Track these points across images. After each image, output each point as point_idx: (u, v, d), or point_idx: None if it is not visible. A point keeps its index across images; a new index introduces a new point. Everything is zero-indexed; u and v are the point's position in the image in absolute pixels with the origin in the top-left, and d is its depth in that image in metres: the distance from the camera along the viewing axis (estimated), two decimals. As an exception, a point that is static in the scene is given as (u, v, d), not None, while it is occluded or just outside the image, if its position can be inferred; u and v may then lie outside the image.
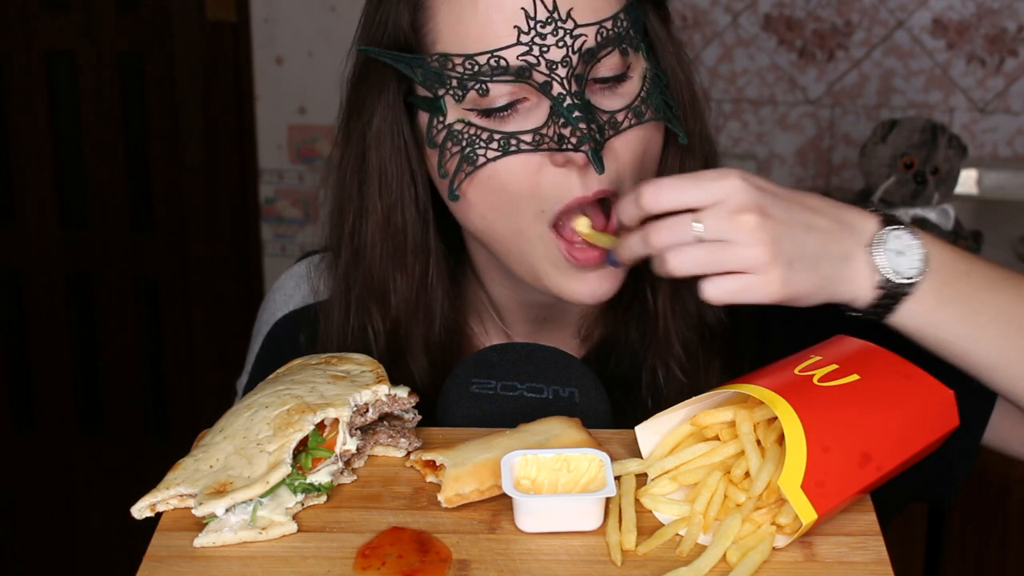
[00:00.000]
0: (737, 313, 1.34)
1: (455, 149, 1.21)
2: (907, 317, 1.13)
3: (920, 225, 2.41)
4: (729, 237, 1.08)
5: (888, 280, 1.12)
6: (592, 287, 1.23)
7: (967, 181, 2.97)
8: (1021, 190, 2.99)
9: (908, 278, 1.12)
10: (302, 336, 1.40)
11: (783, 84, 3.08)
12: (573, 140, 1.17)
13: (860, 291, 1.12)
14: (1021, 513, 2.51)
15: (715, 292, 1.10)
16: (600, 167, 1.16)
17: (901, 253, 1.13)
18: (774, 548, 0.98)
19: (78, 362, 3.50)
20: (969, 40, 2.99)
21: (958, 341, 1.15)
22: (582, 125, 1.16)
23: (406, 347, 1.32)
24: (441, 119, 1.21)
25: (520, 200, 1.21)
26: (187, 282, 3.40)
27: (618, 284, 1.25)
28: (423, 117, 1.24)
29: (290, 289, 1.46)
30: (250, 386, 1.45)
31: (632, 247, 1.13)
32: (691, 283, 1.26)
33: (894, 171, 2.39)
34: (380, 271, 1.31)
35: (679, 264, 1.09)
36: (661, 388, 1.31)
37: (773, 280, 1.08)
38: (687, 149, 1.28)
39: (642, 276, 1.31)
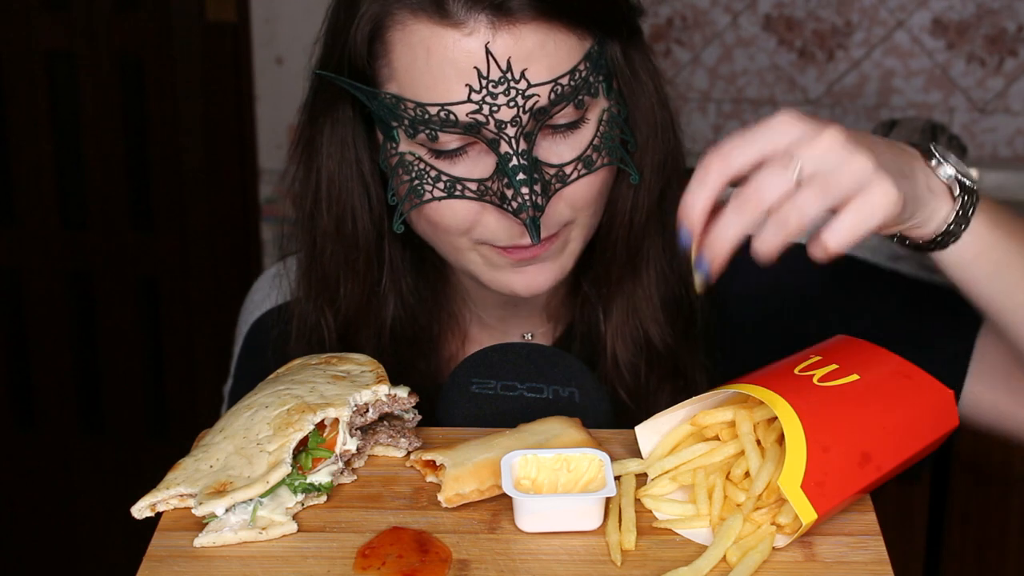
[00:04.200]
0: (686, 335, 1.35)
1: (405, 178, 1.23)
2: (971, 242, 1.10)
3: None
4: (826, 164, 0.99)
5: (963, 183, 1.08)
6: (529, 279, 1.26)
7: (967, 181, 2.97)
8: (1021, 190, 2.99)
9: (973, 180, 1.10)
10: (272, 333, 1.41)
11: (783, 84, 3.08)
12: (514, 204, 1.18)
13: (937, 207, 1.08)
14: (1021, 513, 2.51)
15: (841, 234, 0.99)
16: (537, 237, 1.18)
17: (955, 163, 1.10)
18: (774, 548, 0.99)
19: (78, 362, 3.50)
20: (969, 40, 2.99)
21: (1005, 277, 1.12)
22: (524, 190, 1.17)
23: (354, 346, 1.34)
24: (394, 145, 1.23)
25: (458, 233, 1.24)
26: (187, 282, 3.40)
27: (556, 276, 1.27)
28: (379, 135, 1.25)
29: (266, 289, 1.47)
30: (235, 388, 1.46)
31: (721, 236, 1.00)
32: (641, 309, 1.30)
33: (894, 171, 2.39)
34: (331, 272, 1.33)
35: (799, 215, 0.98)
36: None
37: (888, 187, 0.99)
38: (640, 183, 1.29)
39: (591, 295, 1.34)
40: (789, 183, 0.98)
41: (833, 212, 1.00)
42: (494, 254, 1.24)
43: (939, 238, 1.10)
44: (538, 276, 1.26)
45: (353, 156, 1.29)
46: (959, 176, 1.09)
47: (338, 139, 1.29)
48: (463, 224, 1.22)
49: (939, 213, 1.09)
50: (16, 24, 3.27)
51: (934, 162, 1.09)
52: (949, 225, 1.09)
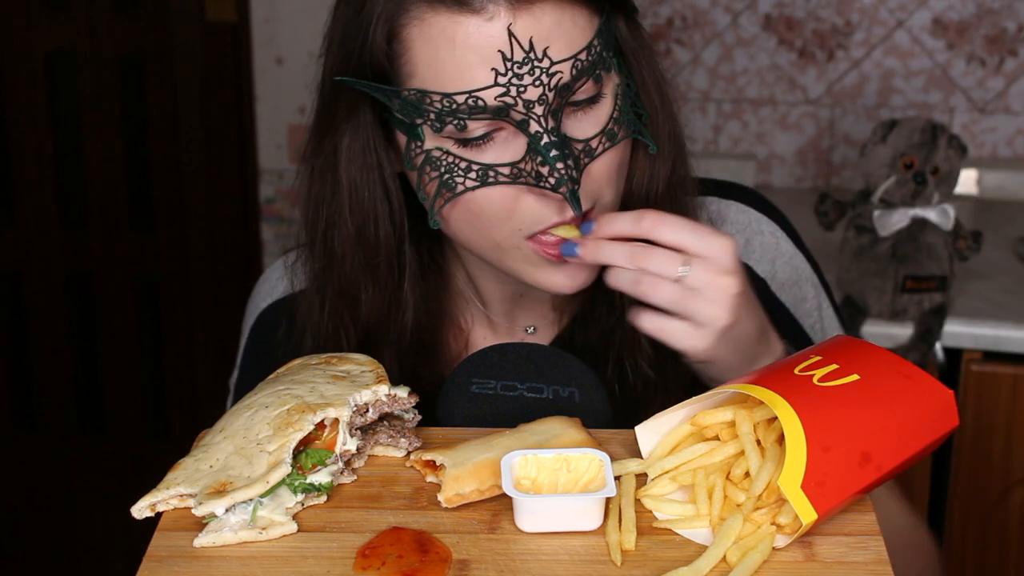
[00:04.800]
0: None
1: (434, 174, 1.22)
2: None
3: (920, 225, 2.41)
4: (704, 290, 1.18)
5: None
6: (570, 277, 1.27)
7: (967, 181, 2.97)
8: (1021, 190, 2.99)
9: None
10: (281, 326, 1.41)
11: (783, 84, 3.08)
12: (551, 180, 1.19)
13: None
14: (1021, 513, 2.51)
15: (652, 325, 1.21)
16: (579, 209, 1.20)
17: None
18: (774, 548, 0.98)
19: (78, 362, 3.50)
20: (969, 40, 2.99)
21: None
22: (559, 165, 1.19)
23: (376, 352, 1.34)
24: (419, 144, 1.23)
25: (497, 222, 1.24)
26: (187, 282, 3.40)
27: (595, 272, 1.28)
28: (401, 137, 1.25)
29: (274, 280, 1.48)
30: (241, 379, 1.46)
31: (606, 254, 1.21)
32: None
33: (894, 171, 2.39)
34: (351, 278, 1.33)
35: (652, 292, 1.19)
36: (628, 379, 1.34)
37: (708, 338, 1.20)
38: (657, 154, 1.31)
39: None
40: (672, 273, 1.18)
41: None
42: (535, 254, 1.25)
43: None
44: (580, 273, 1.27)
45: (375, 160, 1.29)
46: None
47: (359, 145, 1.29)
48: (501, 211, 1.22)
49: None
50: (16, 24, 3.27)
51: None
52: None
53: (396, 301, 1.34)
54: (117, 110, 3.31)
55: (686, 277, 1.18)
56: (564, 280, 1.27)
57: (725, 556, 0.97)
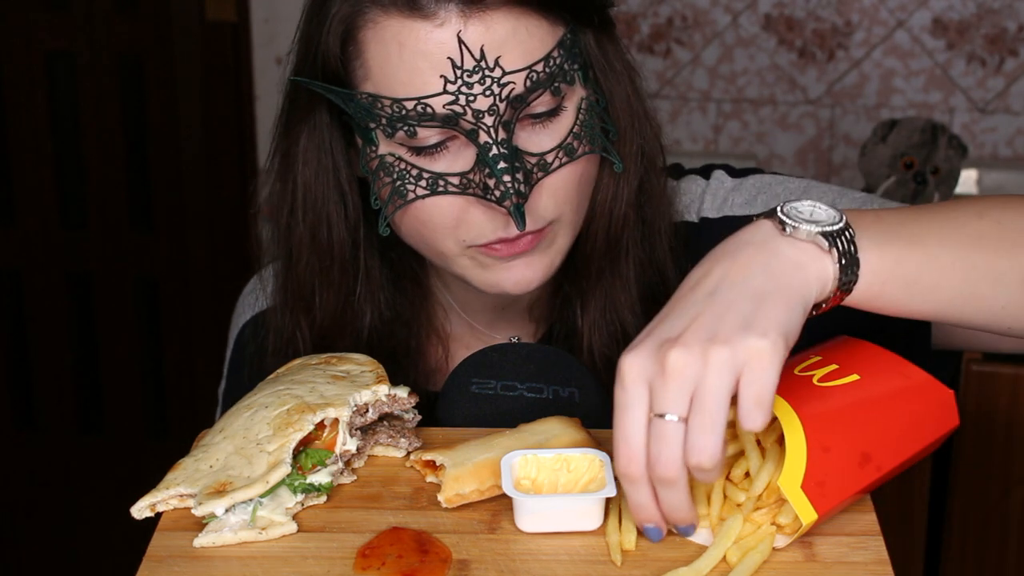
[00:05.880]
0: None
1: (387, 180, 1.22)
2: (871, 274, 0.99)
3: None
4: (690, 381, 0.91)
5: (825, 233, 0.97)
6: (518, 276, 1.24)
7: (967, 181, 2.97)
8: (1021, 190, 2.99)
9: (837, 221, 0.98)
10: (250, 347, 1.41)
11: (783, 84, 3.08)
12: (497, 193, 1.17)
13: (820, 268, 0.97)
14: (1021, 513, 2.51)
15: (752, 415, 0.92)
16: (522, 224, 1.17)
17: (810, 217, 0.99)
18: (774, 548, 0.99)
19: (78, 362, 3.50)
20: (969, 40, 2.99)
21: (922, 284, 1.02)
22: (506, 178, 1.16)
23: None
24: (373, 148, 1.22)
25: (445, 232, 1.22)
26: (187, 282, 3.40)
27: (544, 272, 1.26)
28: (359, 140, 1.24)
29: (254, 293, 1.47)
30: (228, 392, 1.46)
31: (675, 503, 0.94)
32: (619, 301, 1.31)
33: (894, 171, 2.39)
34: (306, 282, 1.32)
35: (710, 454, 0.91)
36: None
37: (759, 351, 0.91)
38: (621, 173, 1.28)
39: (571, 291, 1.33)
40: (677, 437, 0.91)
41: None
42: (482, 255, 1.24)
43: (840, 292, 0.99)
44: (526, 272, 1.24)
45: (330, 163, 1.28)
46: (817, 229, 0.98)
47: (314, 146, 1.28)
48: (449, 221, 1.21)
49: (826, 272, 0.98)
50: (16, 24, 3.27)
51: (788, 228, 0.98)
52: (840, 276, 0.98)
53: (350, 306, 1.33)
54: (117, 110, 3.31)
55: (674, 408, 0.92)
56: (512, 279, 1.24)
57: (725, 556, 0.97)
